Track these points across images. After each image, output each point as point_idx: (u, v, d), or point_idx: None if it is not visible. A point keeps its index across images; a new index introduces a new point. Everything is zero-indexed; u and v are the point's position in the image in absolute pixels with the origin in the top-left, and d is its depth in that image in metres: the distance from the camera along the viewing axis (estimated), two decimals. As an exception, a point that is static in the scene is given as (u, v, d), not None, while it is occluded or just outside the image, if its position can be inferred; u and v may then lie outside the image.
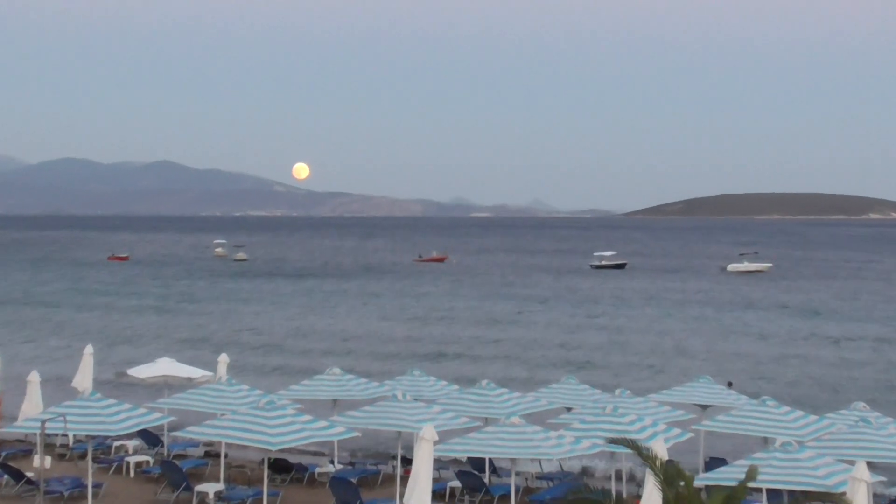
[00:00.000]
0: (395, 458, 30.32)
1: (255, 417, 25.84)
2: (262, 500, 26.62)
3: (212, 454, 33.56)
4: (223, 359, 36.77)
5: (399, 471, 29.10)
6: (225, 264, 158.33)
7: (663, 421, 28.37)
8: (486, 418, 29.72)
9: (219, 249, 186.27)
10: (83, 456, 31.79)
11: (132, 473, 31.53)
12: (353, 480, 28.89)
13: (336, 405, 32.38)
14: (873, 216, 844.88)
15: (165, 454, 33.35)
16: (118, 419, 26.78)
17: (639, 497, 24.22)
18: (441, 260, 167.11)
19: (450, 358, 60.93)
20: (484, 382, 31.20)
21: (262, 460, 29.27)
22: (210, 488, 28.42)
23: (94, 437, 30.62)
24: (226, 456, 30.86)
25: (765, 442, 26.73)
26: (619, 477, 29.36)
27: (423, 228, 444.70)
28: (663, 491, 18.12)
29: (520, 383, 44.00)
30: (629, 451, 19.89)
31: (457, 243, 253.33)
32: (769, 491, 24.26)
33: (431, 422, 25.36)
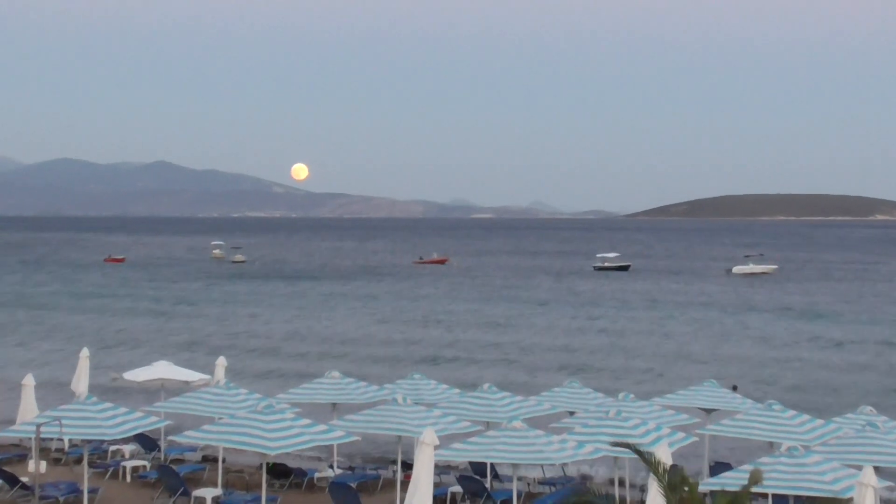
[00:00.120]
0: (395, 462, 30.27)
1: (253, 421, 25.78)
2: (260, 505, 26.57)
3: (209, 459, 33.50)
4: (221, 362, 36.74)
5: (399, 476, 29.06)
6: (223, 266, 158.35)
7: (667, 425, 28.33)
8: (488, 422, 29.67)
9: (216, 251, 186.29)
10: (79, 460, 31.75)
11: (128, 478, 31.48)
12: (353, 485, 28.83)
13: (335, 409, 32.34)
14: (879, 217, 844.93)
15: (162, 459, 33.30)
16: (114, 423, 26.73)
17: (642, 502, 24.18)
18: (442, 262, 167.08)
19: (450, 361, 60.88)
20: (485, 386, 31.16)
21: (261, 465, 29.20)
22: (208, 493, 28.37)
23: (89, 442, 30.54)
24: (224, 460, 30.82)
25: (770, 446, 26.69)
26: (622, 482, 29.30)
27: (424, 230, 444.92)
28: (666, 497, 18.08)
29: (522, 387, 43.95)
30: (632, 455, 19.84)
31: (458, 245, 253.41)
32: (775, 496, 24.20)
33: (432, 426, 25.30)
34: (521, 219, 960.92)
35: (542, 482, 31.36)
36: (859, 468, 21.70)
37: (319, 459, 34.98)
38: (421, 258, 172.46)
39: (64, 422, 26.03)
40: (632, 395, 30.81)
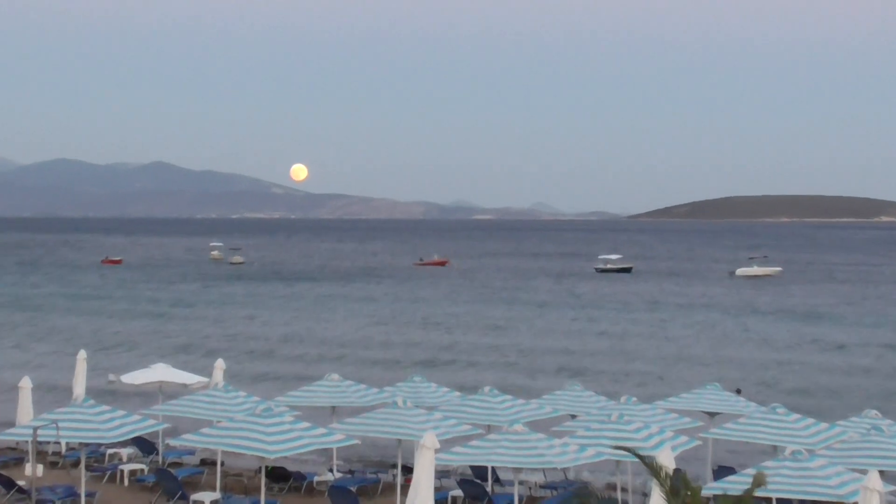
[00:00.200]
0: (395, 466, 30.27)
1: (252, 425, 25.78)
2: (259, 509, 26.56)
3: (208, 462, 33.50)
4: (219, 364, 36.76)
5: (399, 479, 29.06)
6: (221, 268, 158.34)
7: (670, 429, 28.32)
8: (489, 426, 29.68)
9: (215, 252, 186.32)
10: (76, 464, 31.76)
11: (126, 482, 31.47)
12: (353, 489, 28.83)
13: (335, 412, 32.33)
14: (884, 219, 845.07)
15: (160, 462, 33.31)
16: (112, 426, 26.74)
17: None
18: (442, 264, 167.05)
19: (450, 364, 60.86)
20: (486, 389, 31.16)
21: (260, 468, 29.20)
22: (206, 497, 28.37)
23: (87, 445, 30.55)
24: (222, 464, 30.81)
25: (774, 450, 26.68)
26: (624, 486, 29.29)
27: (424, 231, 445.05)
28: (669, 501, 18.07)
29: (523, 390, 43.92)
30: (635, 459, 19.84)
31: (458, 246, 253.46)
32: (779, 500, 24.21)
33: (433, 429, 25.30)
34: (522, 220, 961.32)
35: (544, 486, 31.36)
36: (864, 472, 21.69)
37: (316, 462, 34.97)
38: (421, 260, 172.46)
39: (61, 425, 26.04)
40: (634, 399, 30.81)
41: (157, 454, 33.93)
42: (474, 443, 25.74)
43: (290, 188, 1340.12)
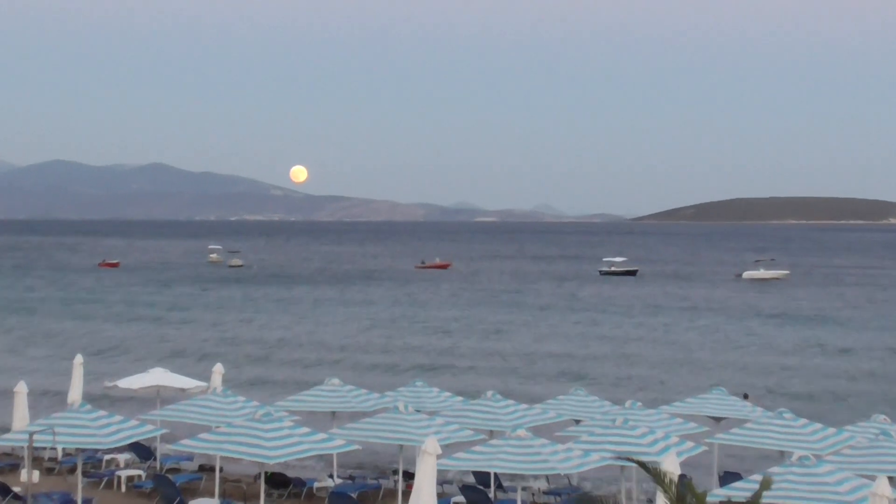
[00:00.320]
0: (396, 472, 30.28)
1: (251, 430, 25.81)
2: (258, 515, 26.58)
3: (206, 468, 33.51)
4: (218, 369, 36.77)
5: (401, 486, 29.08)
6: (220, 271, 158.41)
7: (675, 434, 28.34)
8: (492, 431, 29.69)
9: (213, 255, 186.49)
10: (72, 470, 31.76)
11: (123, 488, 31.49)
12: (353, 495, 28.84)
13: (335, 417, 32.35)
14: (893, 221, 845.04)
15: (158, 468, 33.31)
16: (109, 432, 26.76)
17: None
18: (444, 267, 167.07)
19: (452, 368, 60.87)
20: (489, 393, 31.16)
21: (259, 474, 29.23)
22: (204, 504, 28.39)
23: (83, 451, 30.55)
24: (221, 470, 30.79)
25: (781, 456, 26.68)
26: (629, 492, 29.29)
27: (426, 234, 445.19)
28: (674, 508, 18.07)
29: (526, 395, 43.93)
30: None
31: (461, 249, 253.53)
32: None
33: (434, 435, 25.31)
34: (525, 222, 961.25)
35: (548, 492, 31.35)
36: (873, 478, 21.68)
37: (316, 467, 34.98)
38: (423, 263, 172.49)
39: (57, 430, 26.06)
40: (639, 404, 30.82)
41: (155, 460, 33.93)
42: (477, 448, 25.75)
43: (290, 190, 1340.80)
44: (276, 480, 30.93)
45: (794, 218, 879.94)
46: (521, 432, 25.39)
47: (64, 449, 33.09)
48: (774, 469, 22.91)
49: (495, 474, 30.36)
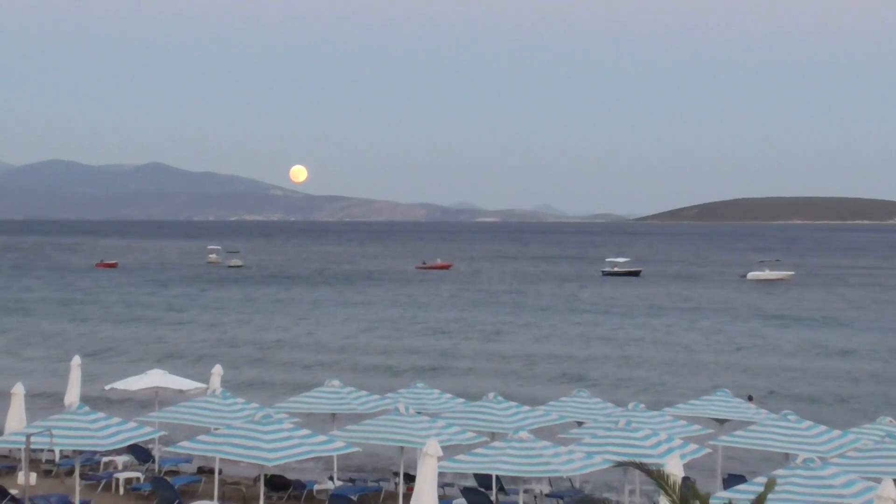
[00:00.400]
0: (397, 474, 30.28)
1: (250, 432, 25.81)
2: (257, 518, 26.58)
3: (205, 470, 33.52)
4: (217, 370, 36.78)
5: (402, 488, 29.08)
6: (219, 271, 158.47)
7: (679, 436, 28.34)
8: (493, 433, 29.69)
9: (212, 256, 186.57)
10: (70, 472, 31.77)
11: (121, 490, 31.49)
12: (354, 498, 28.85)
13: (335, 419, 32.35)
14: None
15: (156, 470, 33.32)
16: (107, 433, 26.76)
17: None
18: (446, 267, 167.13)
19: (453, 370, 60.88)
20: (491, 395, 31.17)
21: (258, 477, 29.24)
22: (203, 506, 28.38)
23: (81, 453, 30.61)
24: (220, 472, 30.81)
25: (786, 458, 26.67)
26: (633, 493, 29.30)
27: (427, 234, 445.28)
28: (678, 510, 18.07)
29: (528, 397, 43.94)
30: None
31: (462, 250, 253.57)
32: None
33: (436, 437, 25.31)
34: (527, 222, 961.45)
35: (550, 495, 31.33)
36: (878, 481, 21.66)
37: (321, 471, 34.99)
38: (424, 263, 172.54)
39: (55, 432, 26.06)
40: (642, 405, 30.83)
41: (154, 462, 33.94)
42: (478, 450, 25.75)
43: (290, 190, 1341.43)
44: (276, 483, 30.93)
45: (799, 218, 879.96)
46: (522, 434, 25.39)
47: (61, 451, 33.09)
48: (779, 471, 22.91)
49: (497, 477, 30.35)
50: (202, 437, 27.03)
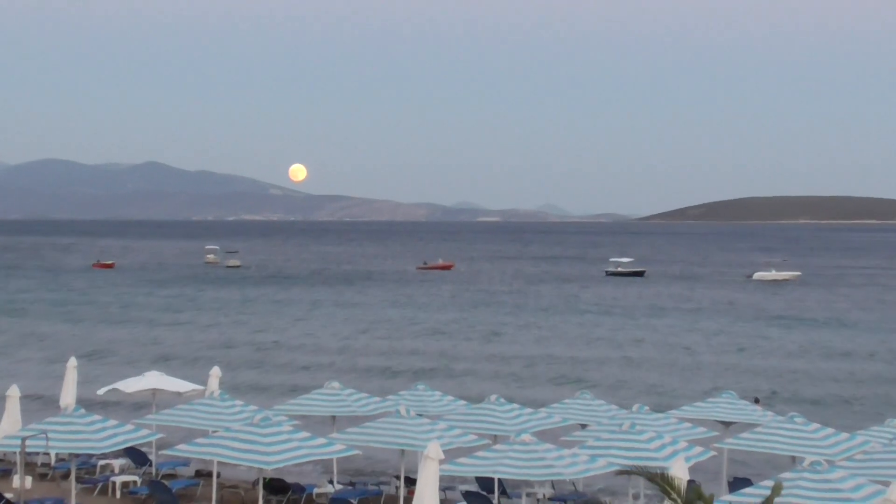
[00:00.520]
0: (397, 477, 30.26)
1: (249, 435, 25.78)
2: (256, 522, 26.56)
3: (203, 474, 33.48)
4: (215, 372, 36.76)
5: (402, 492, 29.04)
6: (217, 272, 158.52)
7: (684, 439, 28.32)
8: (495, 436, 29.67)
9: (210, 256, 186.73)
10: (66, 475, 31.75)
11: (118, 494, 31.46)
12: (354, 502, 28.82)
13: (335, 421, 32.32)
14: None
15: (154, 474, 33.29)
16: (103, 436, 26.74)
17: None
18: (447, 268, 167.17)
19: (455, 372, 60.84)
20: (493, 397, 31.15)
21: (257, 480, 29.21)
22: (201, 510, 28.35)
23: (77, 456, 30.57)
24: (218, 476, 30.77)
25: (793, 461, 26.64)
26: (636, 495, 29.27)
27: (428, 234, 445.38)
28: (683, 515, 18.04)
29: (530, 399, 43.91)
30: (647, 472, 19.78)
31: (463, 250, 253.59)
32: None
33: (437, 439, 25.28)
34: (529, 222, 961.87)
35: (553, 499, 31.30)
36: (887, 484, 21.62)
37: (321, 474, 34.96)
38: (425, 263, 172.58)
39: (50, 435, 26.04)
40: (646, 407, 30.80)
41: (151, 465, 33.91)
42: (480, 453, 25.73)
43: (289, 189, 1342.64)
44: (275, 486, 30.90)
45: (805, 217, 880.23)
46: (525, 437, 25.37)
47: (57, 454, 33.08)
48: (786, 475, 22.86)
49: (499, 480, 30.31)
50: (200, 440, 27.00)
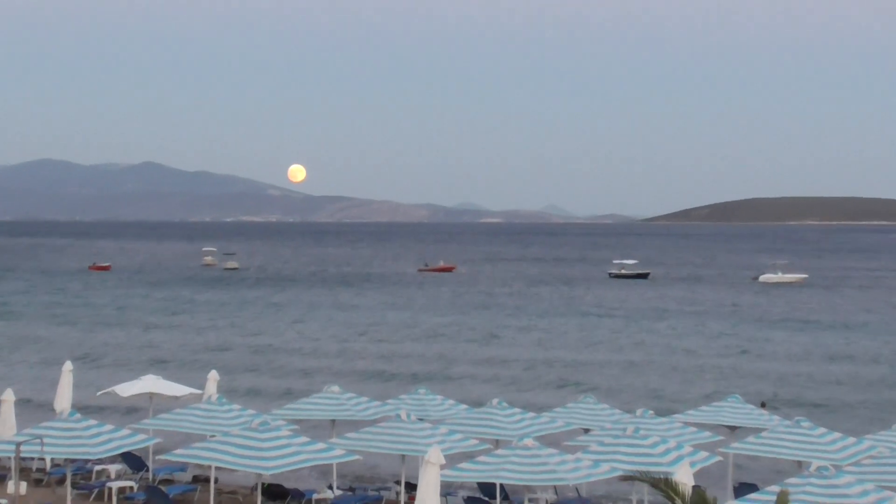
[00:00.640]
0: (398, 483, 30.27)
1: (247, 439, 25.81)
2: (254, 528, 26.57)
3: (201, 479, 33.49)
4: (213, 376, 36.79)
5: (403, 497, 29.06)
6: (215, 273, 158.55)
7: (689, 443, 28.34)
8: (497, 440, 29.69)
9: (208, 258, 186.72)
10: (61, 481, 31.76)
11: (114, 500, 31.46)
12: (354, 507, 28.79)
13: (335, 426, 32.33)
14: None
15: (150, 479, 33.29)
16: (99, 441, 26.77)
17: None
18: (449, 270, 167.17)
19: (456, 376, 60.84)
20: (495, 401, 31.17)
21: (256, 486, 29.22)
22: (198, 516, 28.37)
23: (73, 461, 30.60)
24: (216, 481, 30.80)
25: (799, 466, 26.66)
26: (640, 501, 29.27)
27: (429, 235, 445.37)
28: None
29: (532, 403, 43.92)
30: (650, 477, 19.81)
31: (465, 251, 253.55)
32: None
33: (438, 444, 25.30)
34: (532, 223, 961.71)
35: (555, 504, 31.34)
36: (895, 490, 21.65)
37: (320, 479, 34.98)
38: (427, 265, 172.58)
39: (46, 440, 26.08)
40: (651, 412, 30.83)
41: (147, 471, 33.91)
42: (482, 458, 25.77)
43: (288, 190, 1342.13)
44: (274, 492, 30.92)
45: (813, 218, 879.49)
46: (527, 442, 25.39)
47: (53, 459, 33.08)
48: (792, 480, 22.89)
49: (501, 485, 30.33)
50: (198, 445, 27.05)
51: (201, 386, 36.82)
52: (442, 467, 23.61)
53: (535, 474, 24.70)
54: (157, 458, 33.31)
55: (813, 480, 22.32)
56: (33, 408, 44.38)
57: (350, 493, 32.11)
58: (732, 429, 32.08)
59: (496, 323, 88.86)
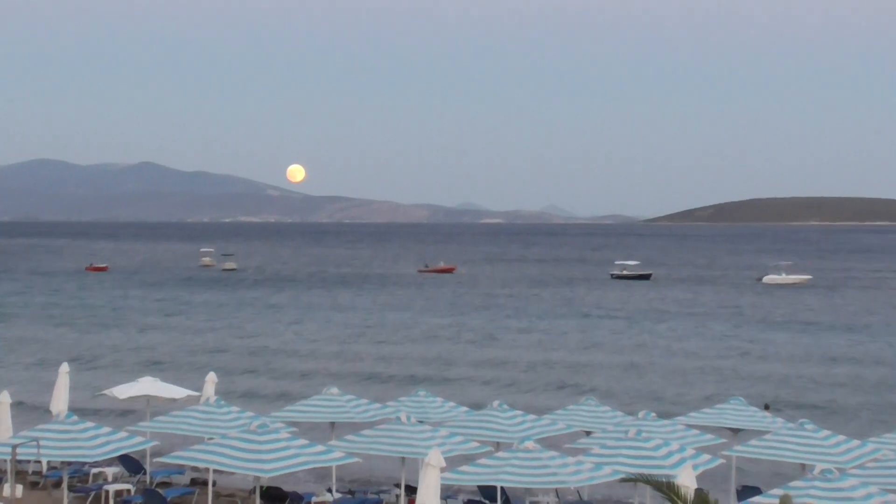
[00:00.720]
0: (398, 486, 30.25)
1: (246, 442, 25.78)
2: (252, 532, 26.55)
3: (199, 482, 33.49)
4: (211, 378, 36.76)
5: (403, 500, 29.03)
6: (213, 274, 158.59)
7: (691, 446, 28.30)
8: (498, 443, 29.66)
9: (206, 258, 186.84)
10: (58, 484, 31.74)
11: (111, 503, 31.46)
12: (353, 511, 28.75)
13: (334, 428, 32.31)
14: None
15: (148, 482, 33.28)
16: (96, 444, 26.74)
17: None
18: (449, 270, 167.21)
19: (457, 378, 60.84)
20: (495, 404, 31.14)
21: (254, 489, 29.20)
22: (196, 519, 28.34)
23: (69, 464, 30.58)
24: (214, 484, 30.80)
25: (803, 469, 26.63)
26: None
27: (429, 236, 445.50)
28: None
29: (534, 405, 43.89)
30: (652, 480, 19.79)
31: (465, 252, 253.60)
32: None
33: (438, 447, 25.28)
34: (533, 224, 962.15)
35: (556, 508, 31.30)
36: (899, 493, 21.63)
37: (319, 482, 34.97)
38: (426, 266, 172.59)
39: (42, 442, 26.04)
40: (653, 414, 30.80)
41: (145, 473, 33.89)
42: (482, 461, 25.73)
43: (287, 190, 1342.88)
44: (272, 495, 30.89)
45: (816, 219, 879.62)
46: (528, 444, 25.36)
47: (49, 462, 33.07)
48: (796, 483, 22.87)
49: (502, 488, 30.30)
50: (195, 448, 27.01)
51: (199, 388, 36.80)
52: (442, 470, 23.58)
53: (536, 477, 24.67)
54: (154, 460, 33.32)
55: (817, 483, 22.30)
56: (29, 410, 44.38)
57: (349, 496, 32.08)
58: (735, 431, 32.05)
59: (497, 324, 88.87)
